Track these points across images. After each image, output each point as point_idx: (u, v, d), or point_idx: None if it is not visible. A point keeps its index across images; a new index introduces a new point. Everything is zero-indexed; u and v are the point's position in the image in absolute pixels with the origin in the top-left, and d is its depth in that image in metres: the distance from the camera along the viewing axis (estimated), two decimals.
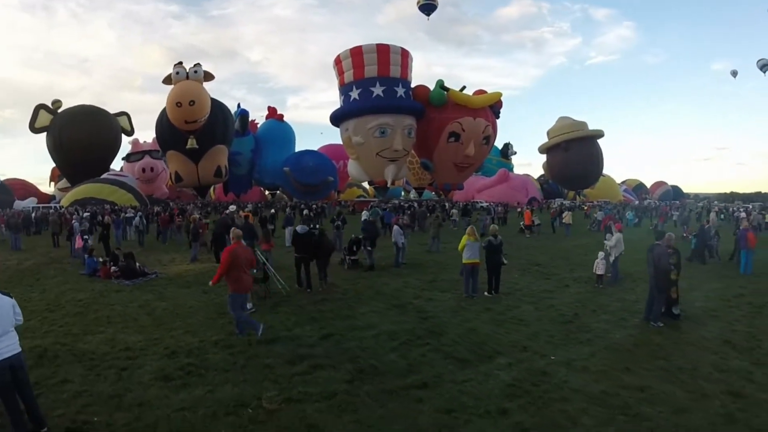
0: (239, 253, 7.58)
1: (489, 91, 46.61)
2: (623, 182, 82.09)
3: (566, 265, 15.01)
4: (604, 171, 62.01)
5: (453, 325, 8.17)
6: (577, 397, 5.39)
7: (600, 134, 57.07)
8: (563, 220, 25.07)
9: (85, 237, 16.33)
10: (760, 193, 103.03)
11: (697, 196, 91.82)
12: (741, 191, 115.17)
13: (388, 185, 45.81)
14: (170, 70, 39.74)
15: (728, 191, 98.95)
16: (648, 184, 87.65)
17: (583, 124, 56.74)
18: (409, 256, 15.64)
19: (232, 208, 23.78)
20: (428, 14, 57.28)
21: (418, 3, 56.62)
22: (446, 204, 43.80)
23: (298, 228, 11.72)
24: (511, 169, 64.54)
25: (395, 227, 14.70)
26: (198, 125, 38.77)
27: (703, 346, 7.24)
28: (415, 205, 40.11)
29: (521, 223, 25.61)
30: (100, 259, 13.72)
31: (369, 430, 4.61)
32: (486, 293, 10.49)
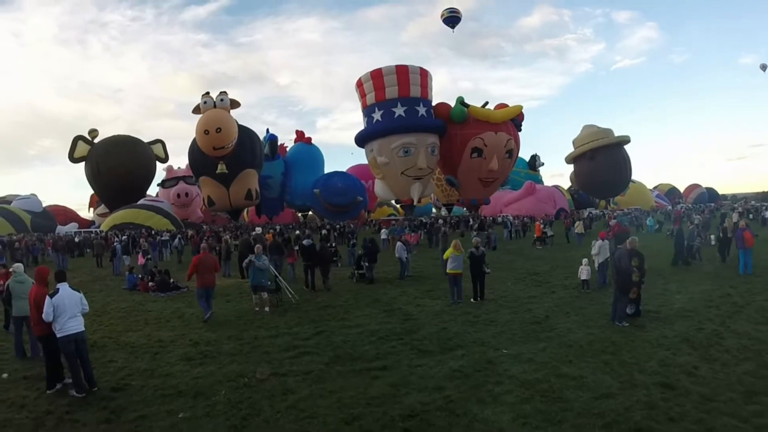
0: (203, 260, 10.97)
1: (515, 102, 48.04)
2: (655, 187, 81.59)
3: (564, 273, 16.09)
4: (634, 177, 62.18)
5: (429, 325, 9.82)
6: (510, 381, 6.58)
7: (626, 140, 57.47)
8: (575, 230, 26.35)
9: (148, 256, 19.00)
10: None
11: (734, 197, 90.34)
12: None
13: (415, 203, 47.48)
14: (200, 96, 42.70)
15: (766, 190, 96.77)
16: (681, 188, 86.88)
17: (609, 131, 57.27)
18: (417, 269, 17.34)
19: (258, 230, 25.99)
20: (453, 27, 58.86)
21: (442, 17, 58.33)
22: (470, 220, 45.17)
23: (304, 241, 13.92)
24: (539, 180, 65.37)
25: (398, 243, 16.50)
26: (226, 151, 41.41)
27: (659, 343, 7.99)
28: (431, 221, 41.88)
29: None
30: (139, 276, 15.97)
31: (330, 394, 6.33)
32: (472, 300, 12.04)
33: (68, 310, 6.50)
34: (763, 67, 75.14)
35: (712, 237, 22.79)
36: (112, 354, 8.28)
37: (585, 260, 13.46)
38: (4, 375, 7.41)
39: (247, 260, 12.54)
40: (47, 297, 6.49)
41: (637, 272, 9.65)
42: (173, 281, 15.63)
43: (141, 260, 18.64)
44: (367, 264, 15.37)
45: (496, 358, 7.59)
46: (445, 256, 12.29)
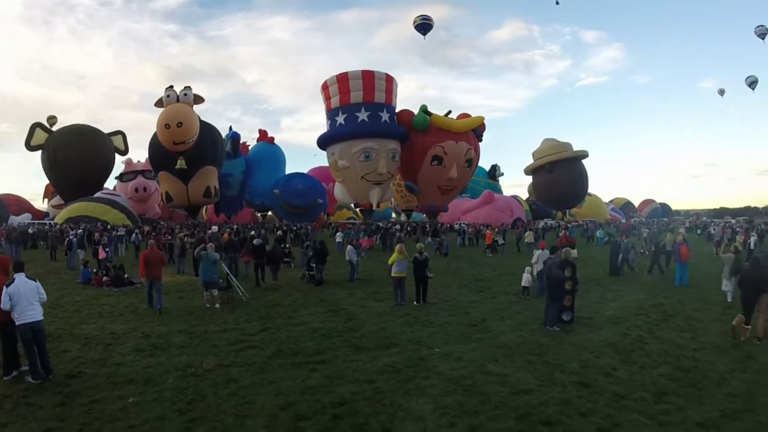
0: (149, 256, 12.23)
1: (481, 112, 49.49)
2: (611, 201, 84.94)
3: (508, 280, 16.95)
4: (592, 190, 64.66)
5: (370, 324, 10.61)
6: (437, 377, 7.29)
7: (584, 155, 59.83)
8: (526, 240, 27.63)
9: (107, 249, 19.26)
10: (749, 207, 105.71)
11: (687, 213, 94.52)
12: (731, 206, 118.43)
13: (374, 207, 48.34)
14: (164, 90, 42.62)
15: (718, 207, 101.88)
16: (637, 203, 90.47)
17: (568, 145, 59.49)
18: (368, 272, 18.13)
19: (214, 228, 26.39)
20: (424, 34, 60.01)
21: (414, 23, 59.35)
22: (426, 226, 46.29)
23: (255, 241, 14.70)
24: (498, 190, 67.13)
25: (348, 247, 17.31)
26: (187, 146, 41.38)
27: (584, 347, 8.69)
28: (386, 226, 42.90)
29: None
30: (94, 270, 16.30)
31: (269, 384, 7.02)
32: (414, 302, 12.87)
33: (24, 299, 6.98)
34: (721, 92, 79.26)
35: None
36: (67, 344, 8.78)
37: (528, 268, 14.52)
38: None
39: (199, 248, 13.26)
40: (4, 287, 6.98)
41: (569, 281, 10.44)
42: (128, 276, 16.01)
43: (102, 254, 18.86)
44: (314, 265, 16.08)
45: (428, 355, 8.33)
46: (390, 261, 13.10)
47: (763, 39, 60.54)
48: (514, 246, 29.36)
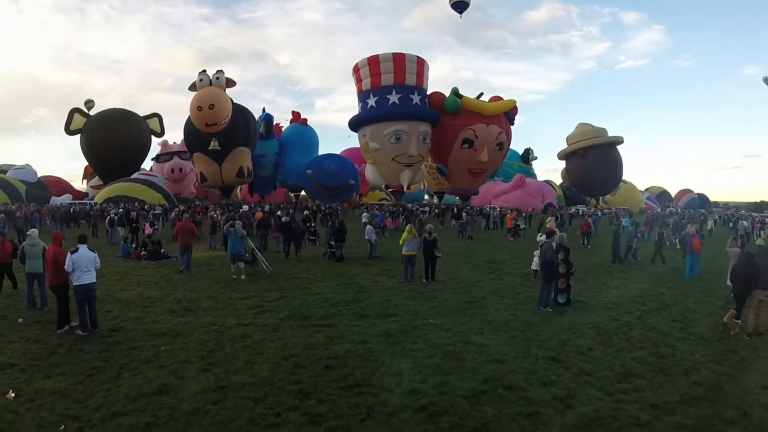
0: (182, 226, 15.50)
1: (516, 95, 50.53)
2: (646, 189, 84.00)
3: (520, 263, 17.86)
4: (627, 178, 64.30)
5: (377, 297, 11.87)
6: (423, 343, 8.29)
7: (619, 141, 59.52)
8: (547, 224, 28.35)
9: (155, 225, 22.35)
10: None
11: (726, 205, 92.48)
12: None
13: (404, 189, 49.50)
14: (200, 70, 44.54)
15: (758, 200, 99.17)
16: (674, 192, 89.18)
17: (603, 131, 59.28)
18: (388, 251, 19.36)
19: (245, 207, 28.06)
20: (461, 12, 59.52)
21: (450, 1, 59.13)
22: (454, 209, 47.23)
23: (282, 219, 16.19)
24: (532, 174, 67.36)
25: (368, 227, 18.62)
26: (219, 128, 43.33)
27: (569, 328, 9.27)
28: (411, 208, 44.13)
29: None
30: (133, 245, 18.04)
31: (278, 340, 8.35)
32: (423, 280, 14.06)
33: (83, 265, 8.59)
34: (766, 81, 76.88)
35: (677, 241, 24.87)
36: (110, 306, 10.35)
37: (536, 252, 15.42)
38: (20, 320, 9.41)
39: (227, 225, 14.83)
40: (69, 253, 8.56)
41: (563, 264, 11.22)
42: (164, 251, 17.69)
43: (149, 230, 21.34)
44: (333, 243, 17.43)
45: (422, 325, 9.46)
46: (400, 241, 14.31)
47: None
48: (536, 231, 30.15)
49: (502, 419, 5.60)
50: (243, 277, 13.83)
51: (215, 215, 24.10)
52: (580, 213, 52.41)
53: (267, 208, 39.13)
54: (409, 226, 14.50)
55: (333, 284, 13.27)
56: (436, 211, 47.85)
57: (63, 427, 5.23)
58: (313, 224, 23.14)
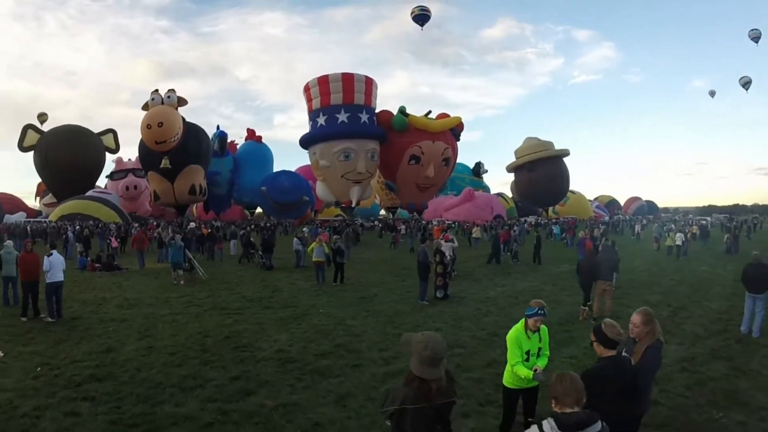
0: (137, 236, 19.35)
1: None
2: (596, 199, 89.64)
3: None
4: (580, 188, 69.32)
5: (286, 294, 15.36)
6: (305, 324, 11.81)
7: (565, 153, 64.37)
8: (473, 235, 32.40)
9: (118, 239, 26.22)
10: (737, 205, 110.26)
11: (676, 210, 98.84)
12: (719, 204, 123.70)
13: (353, 205, 53.16)
14: (158, 85, 48.08)
15: (706, 204, 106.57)
16: (623, 200, 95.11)
17: (549, 144, 64.01)
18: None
19: (192, 224, 31.55)
20: (422, 25, 63.35)
21: (412, 14, 62.75)
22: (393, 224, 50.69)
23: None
24: (484, 187, 71.85)
25: (294, 239, 22.15)
26: (169, 146, 46.51)
27: (432, 315, 12.15)
28: (344, 223, 47.79)
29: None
30: (88, 258, 21.29)
31: (197, 322, 11.83)
32: (333, 282, 17.48)
33: (55, 266, 11.95)
34: (712, 94, 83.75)
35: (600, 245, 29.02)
36: (70, 304, 13.54)
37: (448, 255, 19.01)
38: None
39: (168, 237, 18.20)
40: (45, 256, 11.99)
41: (440, 265, 14.40)
42: (116, 263, 20.96)
43: (114, 243, 25.07)
44: (262, 253, 20.92)
45: (311, 314, 12.66)
46: (309, 249, 17.85)
47: (756, 42, 64.34)
48: (466, 241, 34.14)
49: (333, 367, 8.60)
50: (182, 282, 17.22)
51: (163, 232, 27.46)
52: (505, 223, 56.72)
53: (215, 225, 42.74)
54: (318, 236, 18.01)
55: (255, 287, 16.78)
56: (380, 225, 51.51)
57: (39, 368, 8.50)
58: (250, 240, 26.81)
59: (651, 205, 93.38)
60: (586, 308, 11.98)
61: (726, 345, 9.65)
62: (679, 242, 26.68)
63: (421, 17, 63.15)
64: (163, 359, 8.89)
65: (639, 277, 18.87)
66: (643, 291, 15.75)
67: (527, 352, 4.96)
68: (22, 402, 6.81)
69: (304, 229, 32.14)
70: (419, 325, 11.20)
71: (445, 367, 3.33)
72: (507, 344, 5.07)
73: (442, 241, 16.01)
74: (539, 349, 5.06)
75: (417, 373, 3.18)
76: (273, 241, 21.40)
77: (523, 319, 5.05)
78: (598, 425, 2.90)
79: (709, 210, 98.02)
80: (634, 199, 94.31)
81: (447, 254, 17.52)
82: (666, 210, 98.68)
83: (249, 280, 18.34)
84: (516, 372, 4.88)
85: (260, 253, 21.12)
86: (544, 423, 2.86)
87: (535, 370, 4.74)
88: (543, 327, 5.11)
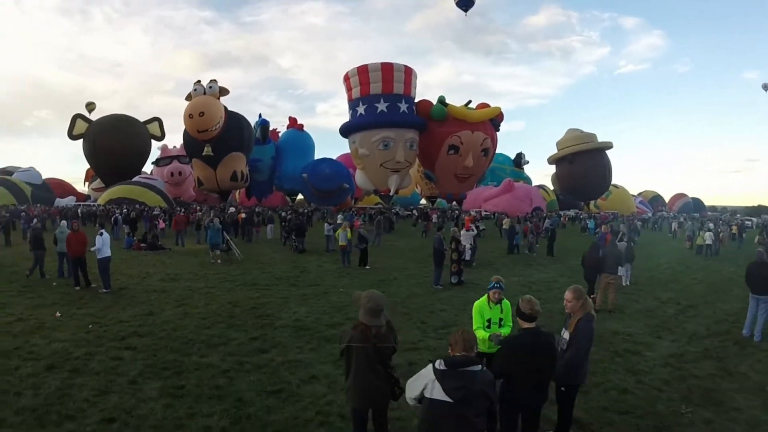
0: (178, 218, 21.17)
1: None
2: (639, 194, 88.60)
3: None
4: (623, 182, 68.67)
5: (313, 275, 16.80)
6: (325, 301, 13.10)
7: (608, 146, 63.98)
8: (504, 226, 33.27)
9: (165, 221, 28.91)
10: None
11: (724, 209, 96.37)
12: None
13: (392, 194, 54.48)
14: (201, 74, 50.48)
15: (756, 204, 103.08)
16: (669, 196, 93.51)
17: (592, 136, 63.77)
18: None
19: (232, 209, 33.50)
20: (466, 10, 63.04)
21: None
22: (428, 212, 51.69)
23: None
24: (524, 178, 72.10)
25: (325, 225, 23.58)
26: (211, 134, 48.94)
27: (442, 299, 13.02)
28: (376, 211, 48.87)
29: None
30: (135, 239, 23.26)
31: (229, 294, 13.35)
32: (359, 266, 18.88)
33: (105, 244, 13.69)
34: (765, 87, 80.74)
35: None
36: (118, 277, 15.31)
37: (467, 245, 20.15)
38: (54, 283, 14.47)
39: (207, 220, 19.93)
40: (97, 235, 13.77)
41: (455, 252, 15.49)
42: (160, 243, 22.88)
43: (162, 225, 27.82)
44: (294, 237, 22.46)
45: (332, 292, 14.00)
46: (336, 234, 19.24)
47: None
48: (498, 232, 35.10)
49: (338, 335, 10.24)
50: (219, 261, 18.90)
51: (203, 216, 29.48)
52: (569, 217, 57.08)
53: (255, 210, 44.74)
54: (345, 223, 19.40)
55: (285, 267, 18.32)
56: (416, 213, 52.62)
57: (91, 326, 10.11)
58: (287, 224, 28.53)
59: (697, 203, 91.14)
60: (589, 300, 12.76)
61: (722, 346, 9.71)
62: (709, 241, 26.68)
63: (465, 2, 62.82)
64: (195, 322, 10.40)
65: (660, 274, 19.17)
66: (658, 288, 16.08)
67: (489, 320, 5.98)
68: (75, 349, 8.40)
69: (338, 216, 33.61)
70: (426, 306, 12.36)
71: (387, 319, 4.61)
72: (472, 313, 6.21)
73: (456, 230, 17.08)
74: (500, 319, 6.10)
75: (362, 320, 4.48)
76: (305, 227, 22.91)
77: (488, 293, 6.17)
78: (478, 366, 3.70)
79: (758, 210, 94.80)
80: (680, 196, 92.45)
81: (468, 244, 18.91)
82: (713, 208, 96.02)
83: (280, 261, 19.93)
84: (476, 336, 5.99)
85: (293, 237, 22.67)
86: (437, 361, 3.80)
87: (493, 335, 5.78)
88: (505, 301, 6.19)
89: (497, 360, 4.79)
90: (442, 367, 3.68)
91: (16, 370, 7.42)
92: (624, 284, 15.98)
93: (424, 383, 3.69)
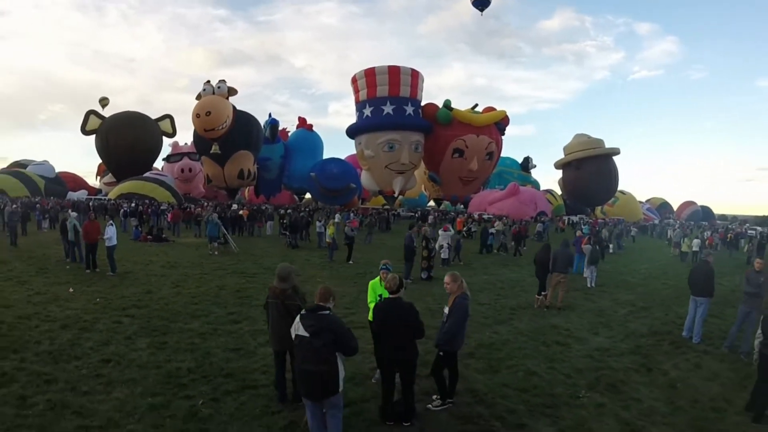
0: (177, 212, 22.02)
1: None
2: (647, 200, 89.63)
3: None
4: (632, 188, 69.76)
5: (296, 265, 18.78)
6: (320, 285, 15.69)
7: (614, 152, 65.07)
8: (496, 228, 35.17)
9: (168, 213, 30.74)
10: None
11: (734, 218, 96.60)
12: None
13: (396, 195, 56.48)
14: (215, 72, 53.88)
15: (767, 214, 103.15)
16: (677, 204, 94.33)
17: (599, 142, 64.99)
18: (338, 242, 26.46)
19: (235, 206, 35.86)
20: (482, 10, 63.94)
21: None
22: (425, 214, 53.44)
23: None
24: (531, 182, 73.51)
25: (318, 222, 25.73)
26: (218, 133, 51.44)
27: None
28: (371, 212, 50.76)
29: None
30: (142, 231, 25.62)
31: (219, 280, 15.46)
32: (345, 261, 20.92)
33: (114, 233, 15.96)
34: None
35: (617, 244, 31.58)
36: (123, 263, 17.58)
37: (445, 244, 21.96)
38: (68, 266, 16.72)
39: (206, 215, 22.12)
40: (108, 225, 16.04)
41: (425, 249, 17.20)
42: (164, 236, 25.19)
43: (170, 217, 29.75)
44: (287, 233, 24.60)
45: (311, 282, 15.53)
46: (329, 233, 21.36)
47: None
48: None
49: None
50: (216, 253, 21.12)
51: (204, 212, 31.84)
52: (566, 222, 58.55)
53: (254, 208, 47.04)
54: (330, 222, 21.54)
55: (275, 259, 20.31)
56: (417, 215, 54.51)
57: (98, 299, 12.25)
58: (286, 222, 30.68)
59: (706, 211, 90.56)
60: (541, 297, 13.41)
61: (656, 345, 10.21)
62: (696, 248, 27.69)
63: (481, 1, 63.86)
64: (186, 300, 12.57)
65: (632, 278, 20.23)
66: (622, 291, 16.91)
67: (380, 296, 7.09)
68: (84, 315, 10.59)
69: (336, 215, 35.81)
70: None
71: (293, 284, 6.56)
72: (367, 290, 7.94)
73: (427, 228, 19.07)
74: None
75: (275, 284, 6.51)
76: (299, 224, 25.12)
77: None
78: (327, 311, 5.15)
79: None
80: (688, 204, 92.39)
81: (445, 243, 20.81)
82: (723, 217, 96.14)
83: (272, 254, 22.09)
84: (369, 307, 7.54)
85: (287, 233, 24.84)
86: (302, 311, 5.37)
87: None
88: None
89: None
90: (303, 312, 5.26)
91: (36, 327, 9.60)
92: (588, 285, 17.21)
93: (295, 324, 5.42)
